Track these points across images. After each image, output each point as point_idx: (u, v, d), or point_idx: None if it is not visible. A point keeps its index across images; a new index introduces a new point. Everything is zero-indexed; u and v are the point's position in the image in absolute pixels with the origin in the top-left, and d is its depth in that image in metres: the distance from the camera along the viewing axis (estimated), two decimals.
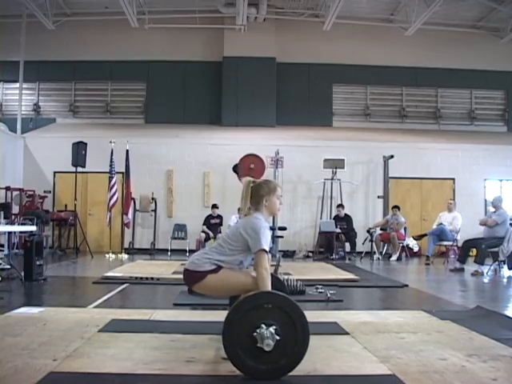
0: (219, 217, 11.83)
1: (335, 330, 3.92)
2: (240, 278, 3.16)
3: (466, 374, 2.82)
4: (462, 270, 8.77)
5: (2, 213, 7.65)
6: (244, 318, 2.84)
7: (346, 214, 12.06)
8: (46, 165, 12.70)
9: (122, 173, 11.53)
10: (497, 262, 8.66)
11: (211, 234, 11.55)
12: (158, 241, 12.58)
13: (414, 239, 12.11)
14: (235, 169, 9.43)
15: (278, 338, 2.80)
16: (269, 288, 3.03)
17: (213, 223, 11.78)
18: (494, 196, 9.65)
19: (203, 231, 11.64)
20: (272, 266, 5.86)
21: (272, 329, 2.79)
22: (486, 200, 12.84)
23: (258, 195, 3.23)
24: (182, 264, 9.03)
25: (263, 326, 2.78)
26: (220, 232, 11.48)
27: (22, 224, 8.88)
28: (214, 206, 11.85)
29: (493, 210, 9.01)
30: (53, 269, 7.99)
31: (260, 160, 8.33)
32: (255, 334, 2.79)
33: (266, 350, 2.77)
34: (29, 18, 13.07)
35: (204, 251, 3.28)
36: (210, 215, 11.87)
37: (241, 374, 2.78)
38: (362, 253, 11.73)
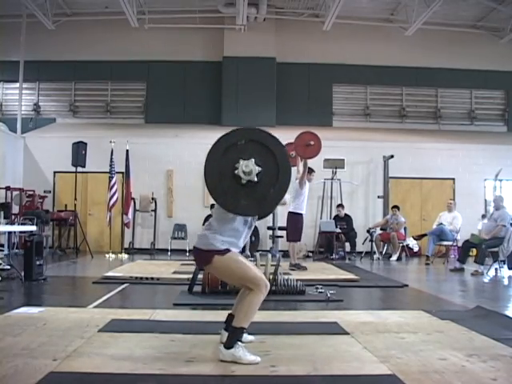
0: None
1: (335, 329, 3.92)
2: (244, 266, 3.10)
3: (465, 373, 2.83)
4: (462, 269, 8.78)
5: (2, 213, 7.67)
6: (222, 159, 2.91)
7: (346, 214, 12.06)
8: (46, 165, 12.69)
9: (122, 173, 11.52)
10: (497, 262, 8.66)
11: None
12: (158, 241, 12.57)
13: (414, 239, 12.11)
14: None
15: (259, 169, 2.85)
16: None
17: None
18: (495, 195, 9.65)
19: None
20: (272, 265, 5.89)
21: (251, 160, 2.85)
22: (485, 200, 12.84)
23: None
24: (183, 264, 9.06)
25: (241, 161, 2.86)
26: None
27: (22, 224, 8.89)
28: (213, 207, 11.75)
29: (492, 210, 9.00)
30: (53, 269, 7.99)
31: (318, 139, 8.20)
32: (236, 171, 2.85)
33: (253, 184, 2.85)
34: (29, 17, 13.06)
35: (207, 227, 3.21)
36: (210, 215, 11.82)
37: (241, 374, 2.78)
38: (362, 253, 11.73)
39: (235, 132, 3.04)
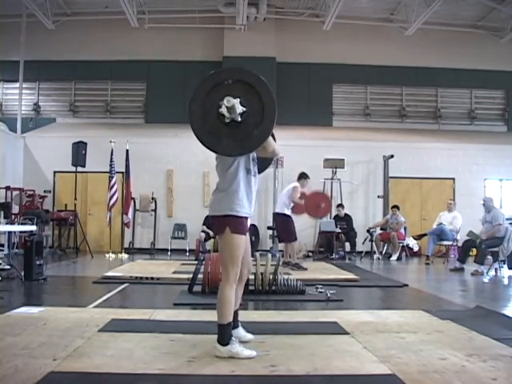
0: None
1: (335, 329, 3.92)
2: (237, 257, 3.17)
3: (465, 373, 2.83)
4: (462, 269, 8.78)
5: (2, 212, 7.65)
6: (207, 97, 2.90)
7: (346, 214, 12.05)
8: (45, 164, 12.70)
9: (122, 172, 11.52)
10: (497, 262, 8.66)
11: (211, 233, 11.38)
12: (158, 240, 12.57)
13: (414, 239, 12.11)
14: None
15: (244, 109, 2.84)
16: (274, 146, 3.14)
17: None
18: (485, 197, 9.55)
19: (203, 231, 11.47)
20: (272, 265, 5.89)
21: (236, 99, 2.84)
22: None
23: None
24: (183, 264, 9.06)
25: (226, 97, 2.86)
26: None
27: (22, 224, 8.90)
28: None
29: (484, 214, 8.98)
30: (53, 268, 7.99)
31: (329, 201, 8.49)
32: (220, 109, 2.86)
33: (236, 124, 2.86)
34: (29, 17, 13.05)
35: (216, 190, 3.29)
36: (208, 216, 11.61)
37: (241, 374, 2.78)
38: (362, 252, 11.73)
39: (223, 71, 3.07)
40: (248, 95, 2.90)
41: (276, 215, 8.96)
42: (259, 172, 3.38)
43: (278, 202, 8.89)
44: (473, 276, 8.26)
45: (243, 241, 3.21)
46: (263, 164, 3.53)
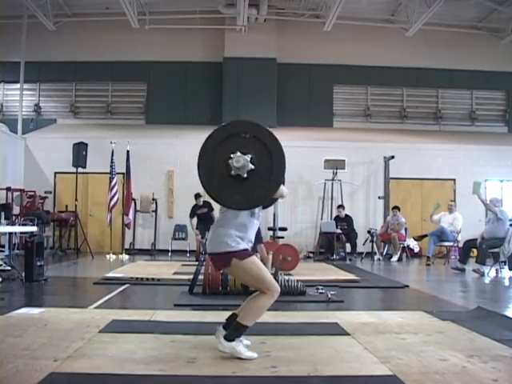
0: (206, 204, 10.63)
1: (336, 330, 3.92)
2: (261, 271, 3.12)
3: (466, 374, 2.82)
4: (463, 270, 8.77)
5: (3, 213, 7.64)
6: (220, 145, 2.90)
7: (346, 215, 12.05)
8: (46, 165, 12.70)
9: (123, 173, 11.51)
10: (497, 263, 8.66)
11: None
12: (159, 241, 12.58)
13: (415, 240, 12.11)
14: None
15: (252, 167, 2.82)
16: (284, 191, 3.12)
17: (200, 213, 10.75)
18: (491, 197, 9.64)
19: (197, 228, 10.84)
20: (272, 266, 5.89)
21: (247, 156, 2.83)
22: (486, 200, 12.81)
23: None
24: (183, 265, 9.06)
25: (239, 153, 2.84)
26: (213, 221, 10.72)
27: (23, 225, 8.89)
28: (198, 196, 10.78)
29: (489, 215, 9.01)
30: (53, 269, 8.00)
31: (296, 252, 8.28)
32: (230, 160, 2.85)
33: (241, 179, 2.84)
34: (29, 18, 13.08)
35: (215, 225, 3.25)
36: (196, 205, 10.95)
37: (241, 374, 2.78)
38: (362, 253, 11.72)
39: (243, 123, 3.03)
40: (260, 154, 2.88)
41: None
42: (264, 208, 3.34)
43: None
44: (473, 277, 8.26)
45: (255, 258, 3.17)
46: (270, 202, 3.53)
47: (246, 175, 2.89)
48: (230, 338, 3.10)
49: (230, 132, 2.95)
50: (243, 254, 3.10)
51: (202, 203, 10.80)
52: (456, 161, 13.03)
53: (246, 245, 3.14)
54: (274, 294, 3.10)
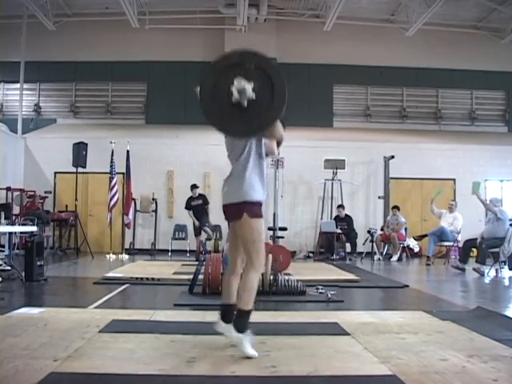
0: (201, 196, 10.78)
1: (336, 330, 3.92)
2: (261, 240, 3.22)
3: (466, 374, 2.82)
4: (464, 270, 8.77)
5: (3, 213, 7.64)
6: (222, 73, 2.89)
7: (346, 215, 12.05)
8: (46, 165, 12.71)
9: (123, 173, 11.51)
10: (497, 263, 8.66)
11: (211, 234, 11.07)
12: (159, 241, 12.58)
13: (415, 240, 12.10)
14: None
15: (253, 96, 2.82)
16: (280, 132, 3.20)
17: (195, 205, 10.73)
18: (491, 197, 9.65)
19: (205, 231, 10.86)
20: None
21: (249, 85, 2.81)
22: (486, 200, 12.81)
23: None
24: (183, 264, 9.06)
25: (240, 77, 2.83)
26: (207, 215, 10.73)
27: (23, 224, 8.87)
28: (194, 187, 10.78)
29: (489, 214, 9.03)
30: (53, 269, 7.99)
31: (288, 253, 8.31)
32: (232, 86, 2.84)
33: (242, 109, 2.83)
34: (29, 18, 13.08)
35: (229, 177, 3.32)
36: (191, 197, 10.90)
37: (241, 374, 2.77)
38: (362, 253, 11.72)
39: (250, 54, 2.99)
40: (262, 85, 2.86)
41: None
42: (266, 155, 3.40)
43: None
44: (474, 271, 8.26)
45: (262, 225, 3.23)
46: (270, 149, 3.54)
47: (246, 104, 2.88)
48: (239, 328, 3.10)
49: (236, 61, 2.93)
50: (255, 211, 3.18)
51: (197, 195, 10.84)
52: (456, 161, 13.03)
53: (262, 195, 3.24)
54: (260, 266, 3.20)
